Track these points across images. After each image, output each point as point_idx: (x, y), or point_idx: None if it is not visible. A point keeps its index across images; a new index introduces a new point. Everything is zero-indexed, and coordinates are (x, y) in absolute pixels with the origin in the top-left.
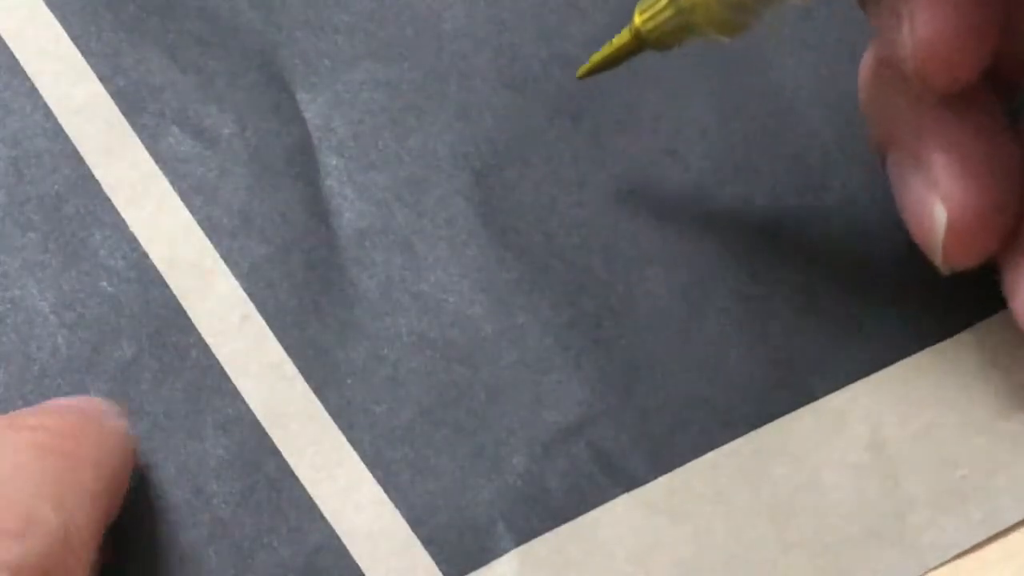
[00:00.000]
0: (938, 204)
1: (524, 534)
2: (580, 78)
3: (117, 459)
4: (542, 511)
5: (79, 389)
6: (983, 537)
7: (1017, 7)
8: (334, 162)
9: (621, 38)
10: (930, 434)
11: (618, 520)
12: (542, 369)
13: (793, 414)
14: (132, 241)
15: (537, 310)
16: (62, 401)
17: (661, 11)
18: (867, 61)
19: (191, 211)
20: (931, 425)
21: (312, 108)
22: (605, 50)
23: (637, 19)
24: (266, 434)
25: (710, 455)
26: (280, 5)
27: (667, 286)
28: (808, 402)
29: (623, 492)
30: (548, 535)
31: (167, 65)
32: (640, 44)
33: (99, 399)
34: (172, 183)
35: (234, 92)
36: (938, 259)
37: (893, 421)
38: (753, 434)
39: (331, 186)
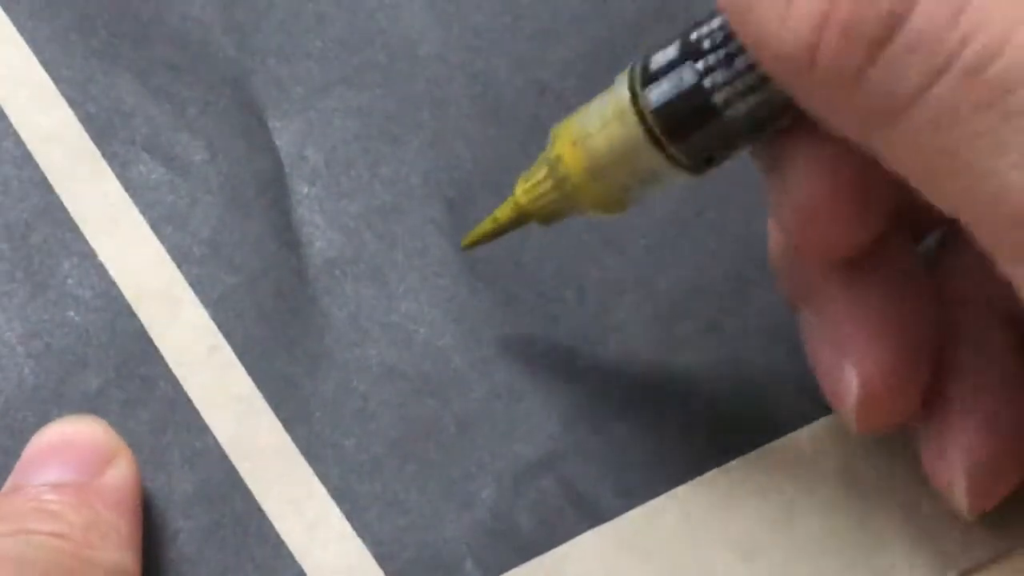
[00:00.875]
0: (849, 369)
1: (492, 569)
2: (464, 248)
3: (131, 523)
4: (511, 546)
5: (45, 420)
6: (956, 573)
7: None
8: (305, 190)
9: (503, 212)
10: (902, 469)
11: (587, 555)
12: (512, 401)
13: (764, 448)
14: (100, 270)
15: (508, 342)
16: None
17: (546, 192)
18: (771, 221)
19: (160, 240)
20: (903, 460)
21: (284, 135)
22: (488, 223)
23: (520, 196)
24: (233, 468)
25: (680, 489)
26: (253, 31)
27: (639, 318)
28: (780, 436)
29: (592, 527)
30: (516, 570)
31: (138, 91)
32: (523, 218)
33: (100, 430)
34: (142, 211)
35: (205, 119)
36: (851, 425)
37: (865, 456)
38: (724, 468)
39: (302, 214)
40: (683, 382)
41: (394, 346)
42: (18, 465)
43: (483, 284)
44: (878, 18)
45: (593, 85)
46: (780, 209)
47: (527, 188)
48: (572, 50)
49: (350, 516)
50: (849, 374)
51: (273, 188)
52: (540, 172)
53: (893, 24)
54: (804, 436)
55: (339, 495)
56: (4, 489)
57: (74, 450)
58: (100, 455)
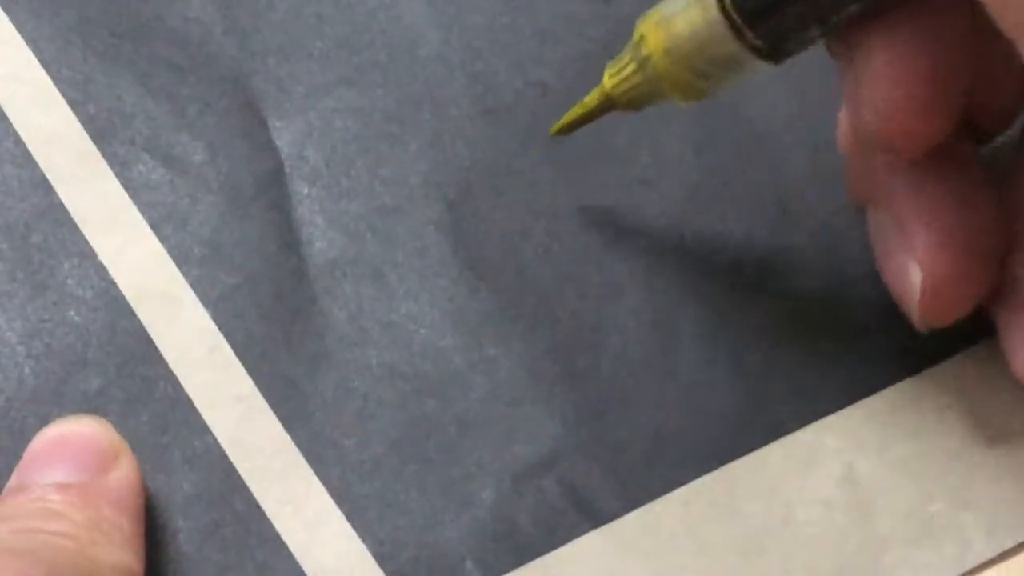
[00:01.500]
0: (914, 267)
1: (492, 570)
2: (553, 135)
3: (134, 523)
4: (511, 547)
5: (45, 420)
6: (956, 574)
7: (987, 61)
8: (305, 191)
9: (592, 98)
10: (902, 469)
11: (587, 556)
12: (513, 402)
13: (765, 449)
14: (101, 270)
15: (508, 342)
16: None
17: (630, 76)
18: (842, 118)
19: (161, 240)
20: (903, 460)
21: (284, 136)
22: (577, 109)
23: (607, 81)
24: (233, 467)
25: (681, 490)
26: (253, 31)
27: (639, 319)
28: (780, 436)
29: (593, 528)
30: (517, 571)
31: (138, 92)
32: (610, 105)
33: (102, 430)
34: (142, 211)
35: (206, 119)
36: (915, 319)
37: (866, 456)
38: (725, 469)
39: (302, 215)
40: (683, 382)
41: (394, 346)
42: (20, 464)
43: (483, 284)
44: None
45: (593, 86)
46: (856, 102)
47: (613, 74)
48: (572, 50)
49: (350, 516)
50: (915, 272)
51: (273, 188)
52: (625, 58)
53: None
54: (804, 436)
55: (339, 495)
56: (7, 488)
57: (77, 450)
58: (103, 455)
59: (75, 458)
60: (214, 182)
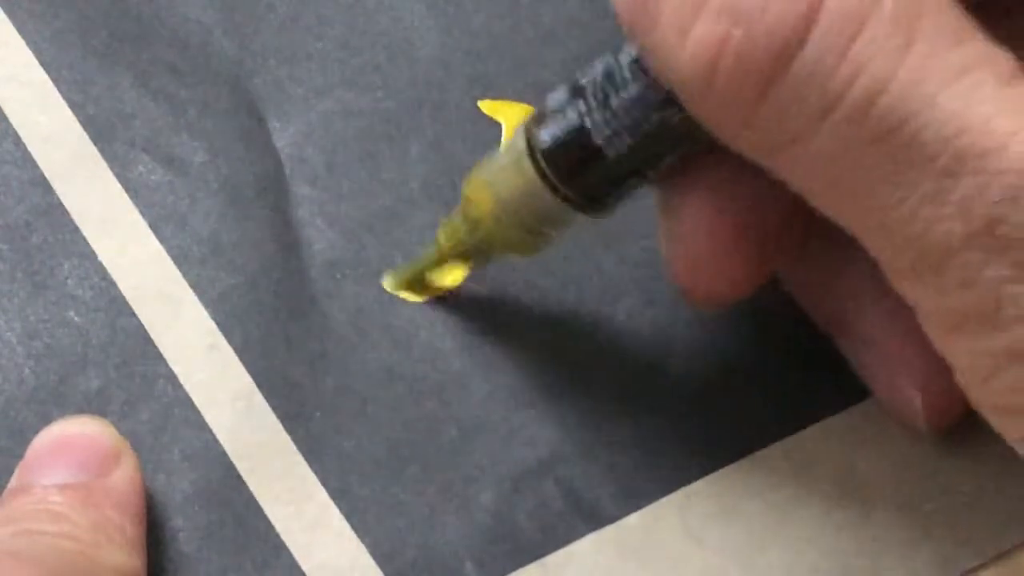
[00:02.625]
0: (914, 394)
1: (492, 572)
2: (391, 291)
3: (136, 524)
4: (511, 549)
5: (45, 420)
6: (955, 574)
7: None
8: (305, 192)
9: (429, 256)
10: (901, 469)
11: (587, 559)
12: (512, 404)
13: (764, 450)
14: (100, 270)
15: (508, 345)
16: (71, 452)
17: (464, 238)
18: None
19: (160, 240)
20: (902, 460)
21: (284, 137)
22: (414, 265)
23: (442, 241)
24: (233, 467)
25: (680, 492)
26: (253, 32)
27: (638, 321)
28: (780, 438)
29: (592, 530)
30: (516, 573)
31: (138, 93)
32: (443, 259)
33: (104, 431)
34: (141, 212)
35: (205, 120)
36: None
37: (865, 456)
38: (724, 471)
39: (302, 216)
40: (683, 385)
41: (394, 348)
42: (22, 465)
43: (483, 287)
44: (768, 53)
45: None
46: (667, 254)
47: (448, 234)
48: (572, 52)
49: (350, 517)
50: (916, 399)
51: (273, 189)
52: (457, 219)
53: (784, 59)
54: (804, 437)
55: (339, 496)
56: (8, 489)
57: (78, 450)
58: (105, 456)
59: (77, 459)
60: (214, 183)
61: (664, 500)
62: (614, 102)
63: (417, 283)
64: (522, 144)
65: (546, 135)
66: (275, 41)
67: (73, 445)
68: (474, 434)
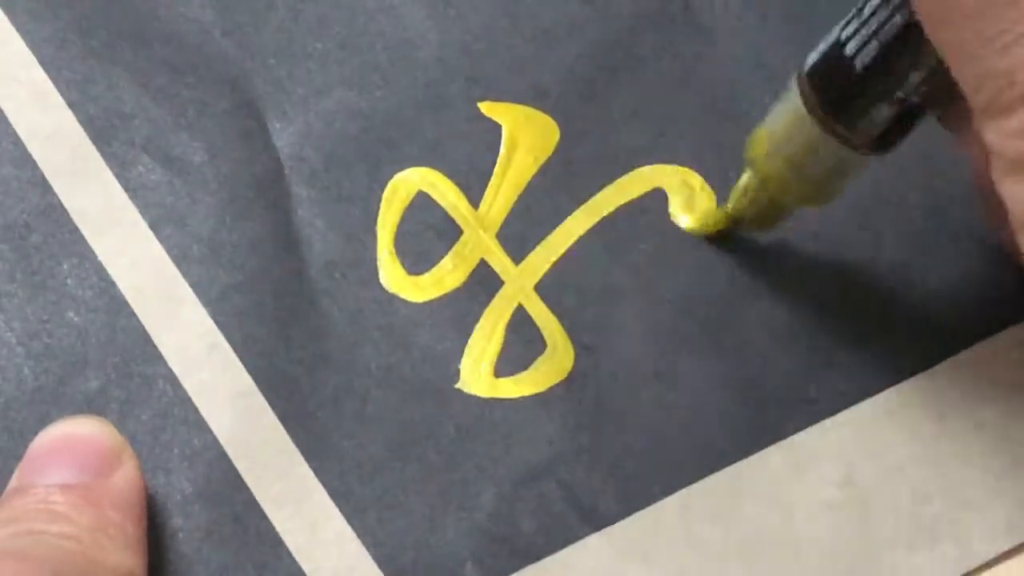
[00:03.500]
0: None
1: (492, 572)
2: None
3: (137, 525)
4: (511, 550)
5: (45, 420)
6: (956, 575)
7: None
8: (305, 192)
9: (717, 220)
10: (901, 471)
11: (587, 560)
12: (513, 406)
13: (764, 452)
14: (100, 270)
15: (508, 345)
16: (71, 452)
17: (745, 189)
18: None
19: (160, 240)
20: (902, 462)
21: (283, 137)
22: (706, 227)
23: (729, 203)
24: (233, 467)
25: (680, 494)
26: (253, 32)
27: (639, 323)
28: (780, 439)
29: (593, 532)
30: (516, 575)
31: (137, 92)
32: (734, 223)
33: (106, 431)
34: (141, 212)
35: (205, 120)
36: None
37: (865, 458)
38: (723, 472)
39: (302, 216)
40: (683, 386)
41: (394, 349)
42: (23, 464)
43: (482, 289)
44: None
45: (592, 87)
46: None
47: (732, 197)
48: (571, 53)
49: (350, 517)
50: None
51: (273, 189)
52: (742, 177)
53: None
54: (804, 438)
55: (339, 496)
56: (9, 490)
57: (79, 450)
58: (105, 455)
59: (77, 459)
60: (213, 182)
61: (664, 501)
62: (866, 9)
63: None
64: (792, 83)
65: (810, 57)
66: (275, 41)
67: (73, 445)
68: (474, 435)
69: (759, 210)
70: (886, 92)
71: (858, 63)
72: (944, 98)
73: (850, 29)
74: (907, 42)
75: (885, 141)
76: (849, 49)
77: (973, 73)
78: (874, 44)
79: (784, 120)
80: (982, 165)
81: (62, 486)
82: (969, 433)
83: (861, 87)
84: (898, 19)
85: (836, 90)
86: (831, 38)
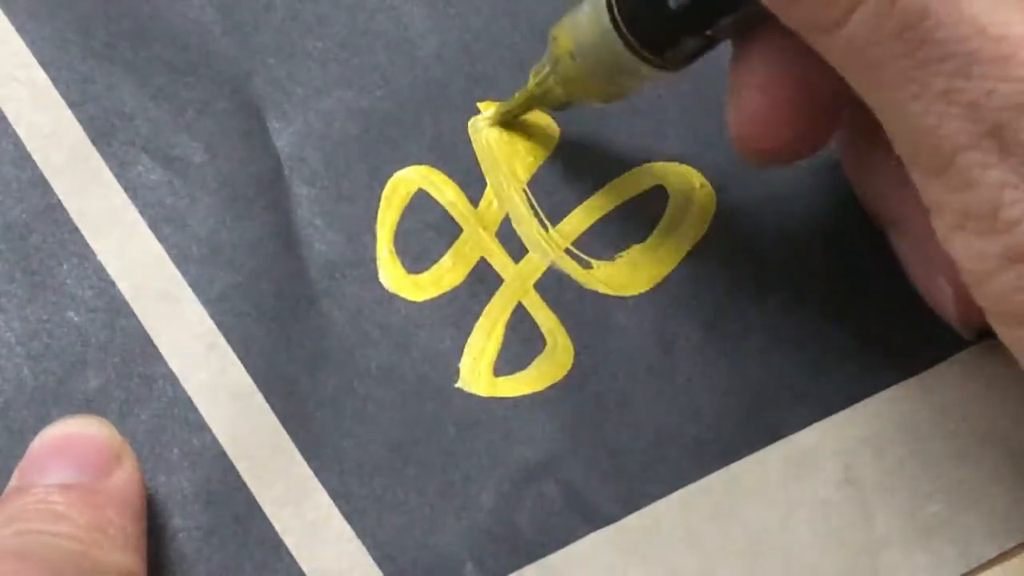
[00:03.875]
0: (946, 286)
1: (493, 572)
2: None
3: (137, 525)
4: (511, 549)
5: (45, 420)
6: (956, 574)
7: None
8: (305, 192)
9: (517, 99)
10: (902, 470)
11: (587, 559)
12: (512, 405)
13: (764, 451)
14: (100, 270)
15: (508, 344)
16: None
17: (545, 77)
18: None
19: (160, 240)
20: (902, 461)
21: (283, 137)
22: (504, 105)
23: (530, 81)
24: (233, 467)
25: (680, 493)
26: (252, 32)
27: (638, 323)
28: (779, 438)
29: (592, 530)
30: (516, 573)
31: (137, 92)
32: (533, 104)
33: (106, 431)
34: (141, 212)
35: (205, 120)
36: (956, 327)
37: (865, 458)
38: (724, 471)
39: (302, 216)
40: (683, 385)
41: (394, 348)
42: (22, 465)
43: (482, 288)
44: None
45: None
46: (729, 107)
47: (534, 72)
48: None
49: (350, 517)
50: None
51: (272, 189)
52: (544, 60)
53: None
54: (803, 438)
55: (339, 496)
56: (9, 489)
57: (79, 450)
58: (105, 455)
59: (77, 459)
60: (213, 182)
61: (664, 500)
62: None
63: (507, 122)
64: None
65: None
66: (275, 41)
67: (73, 445)
68: (474, 434)
69: (552, 94)
70: (696, 30)
71: (671, 2)
72: (749, 28)
73: None
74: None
75: (684, 63)
76: None
77: (905, 136)
78: None
79: (589, 28)
80: (854, 138)
81: (62, 486)
82: (969, 433)
83: (673, 23)
84: None
85: (645, 18)
86: None
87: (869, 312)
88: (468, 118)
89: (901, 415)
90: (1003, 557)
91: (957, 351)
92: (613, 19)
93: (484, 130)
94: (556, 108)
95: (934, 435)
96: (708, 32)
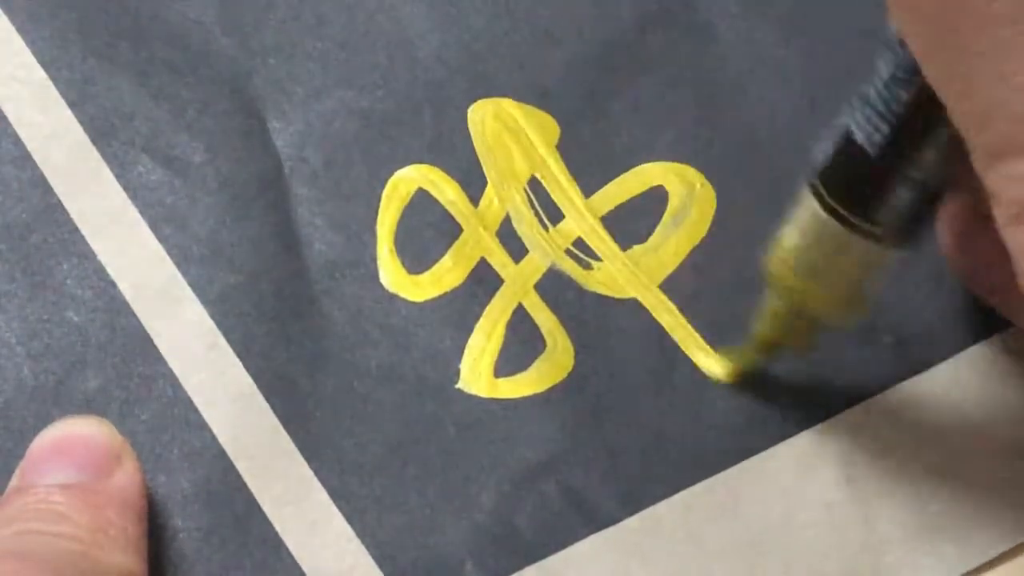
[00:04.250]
0: None
1: (493, 573)
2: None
3: (137, 525)
4: (511, 550)
5: (45, 420)
6: (957, 574)
7: None
8: (305, 191)
9: (749, 352)
10: (902, 471)
11: (588, 560)
12: (513, 405)
13: (765, 453)
14: (100, 270)
15: (508, 344)
16: (71, 452)
17: (772, 310)
18: (954, 215)
19: (160, 240)
20: (903, 462)
21: (284, 136)
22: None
23: (756, 331)
24: (233, 467)
25: (681, 495)
26: (253, 31)
27: (639, 322)
28: (780, 439)
29: (593, 531)
30: (516, 575)
31: (137, 92)
32: (770, 348)
33: (106, 431)
34: (141, 212)
35: (205, 120)
36: None
37: (865, 459)
38: (724, 473)
39: (302, 216)
40: (683, 386)
41: (394, 348)
42: (24, 464)
43: (482, 288)
44: None
45: (592, 87)
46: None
47: (761, 322)
48: (571, 52)
49: (350, 517)
50: None
51: (273, 189)
52: (765, 301)
53: None
54: (804, 439)
55: (339, 496)
56: (9, 489)
57: (79, 450)
58: (105, 456)
59: (78, 459)
60: (213, 182)
61: (665, 501)
62: (871, 93)
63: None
64: (804, 189)
65: (818, 156)
66: (275, 40)
67: (73, 445)
68: (474, 434)
69: (787, 332)
70: (903, 175)
71: (870, 149)
72: (962, 176)
73: (857, 116)
74: (917, 116)
75: (909, 231)
76: (859, 137)
77: (979, 111)
78: (883, 126)
79: (802, 228)
80: (960, 210)
81: (62, 486)
82: (969, 433)
83: (877, 173)
84: (904, 94)
85: (852, 182)
86: (838, 131)
87: (870, 311)
88: (468, 117)
89: (902, 415)
90: (1003, 557)
91: (957, 351)
92: (822, 202)
93: (485, 128)
94: (801, 345)
95: (935, 435)
96: (916, 174)
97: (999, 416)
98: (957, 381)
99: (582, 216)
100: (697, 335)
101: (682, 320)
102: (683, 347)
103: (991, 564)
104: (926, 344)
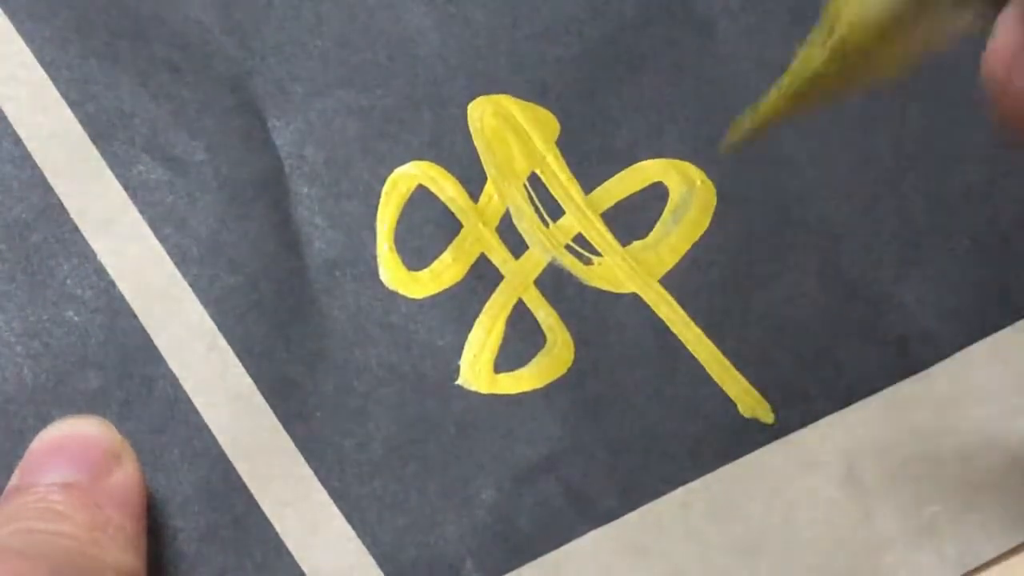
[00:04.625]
0: None
1: (492, 570)
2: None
3: (137, 524)
4: (511, 547)
5: (45, 420)
6: (956, 574)
7: None
8: (305, 191)
9: (770, 102)
10: (903, 470)
11: (588, 557)
12: (513, 403)
13: (765, 449)
14: (100, 270)
15: (508, 342)
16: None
17: (812, 59)
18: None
19: (160, 240)
20: (903, 461)
21: (284, 135)
22: (751, 118)
23: (787, 74)
24: (232, 467)
25: (681, 491)
26: (253, 31)
27: (639, 318)
28: (780, 437)
29: (593, 528)
30: (516, 571)
31: (137, 92)
32: (797, 94)
33: (105, 430)
34: (141, 211)
35: (205, 119)
36: None
37: (866, 457)
38: (724, 469)
39: (302, 215)
40: (683, 382)
41: (394, 347)
42: (23, 464)
43: (482, 284)
44: None
45: (592, 83)
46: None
47: (797, 65)
48: (571, 50)
49: (350, 517)
50: None
51: (273, 188)
52: (815, 41)
53: None
54: (804, 437)
55: (339, 495)
56: (9, 488)
57: (79, 450)
58: (105, 455)
59: (77, 458)
60: (213, 182)
61: (664, 499)
62: None
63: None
64: None
65: None
66: (275, 39)
67: (73, 444)
68: (474, 432)
69: (820, 84)
70: None
71: None
72: None
73: None
74: None
75: None
76: None
77: None
78: None
79: None
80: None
81: (62, 485)
82: (969, 432)
83: None
84: None
85: None
86: None
87: (869, 311)
88: (467, 114)
89: (902, 414)
90: (1003, 557)
91: (957, 350)
92: None
93: (484, 124)
94: (817, 104)
95: (935, 435)
96: None
97: (999, 416)
98: (958, 380)
99: (582, 212)
100: (697, 330)
101: (682, 315)
102: (683, 341)
103: (991, 564)
104: (927, 343)
